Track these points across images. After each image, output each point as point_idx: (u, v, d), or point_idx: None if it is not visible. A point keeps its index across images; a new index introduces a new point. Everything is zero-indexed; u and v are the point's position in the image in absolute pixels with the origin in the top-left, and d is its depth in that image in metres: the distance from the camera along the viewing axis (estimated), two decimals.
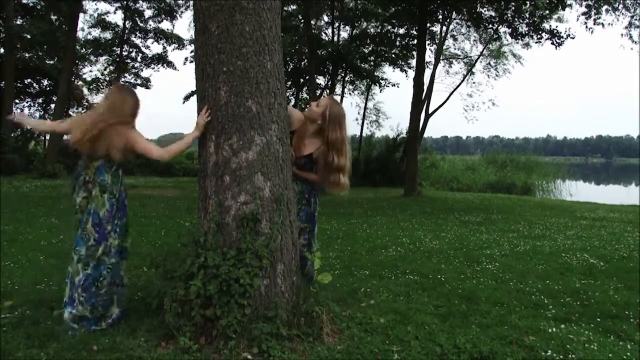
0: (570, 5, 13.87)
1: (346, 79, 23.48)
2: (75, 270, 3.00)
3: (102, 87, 24.76)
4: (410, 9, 15.55)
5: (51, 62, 21.57)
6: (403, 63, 21.56)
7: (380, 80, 22.09)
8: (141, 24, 23.89)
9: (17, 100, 21.56)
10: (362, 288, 4.10)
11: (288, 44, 17.80)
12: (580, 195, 19.52)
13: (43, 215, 7.92)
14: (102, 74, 24.69)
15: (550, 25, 14.91)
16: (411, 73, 19.99)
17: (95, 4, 35.62)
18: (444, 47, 20.38)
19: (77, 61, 22.23)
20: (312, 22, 19.51)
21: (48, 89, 22.86)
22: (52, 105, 21.90)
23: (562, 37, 14.31)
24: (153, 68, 25.11)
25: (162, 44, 24.39)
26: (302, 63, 20.32)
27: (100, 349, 2.73)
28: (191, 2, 11.51)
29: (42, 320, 3.13)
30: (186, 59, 23.69)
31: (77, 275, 2.99)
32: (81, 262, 2.99)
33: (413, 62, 19.41)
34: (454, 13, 16.93)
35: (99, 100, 3.05)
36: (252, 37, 2.94)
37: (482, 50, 20.75)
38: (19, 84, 21.01)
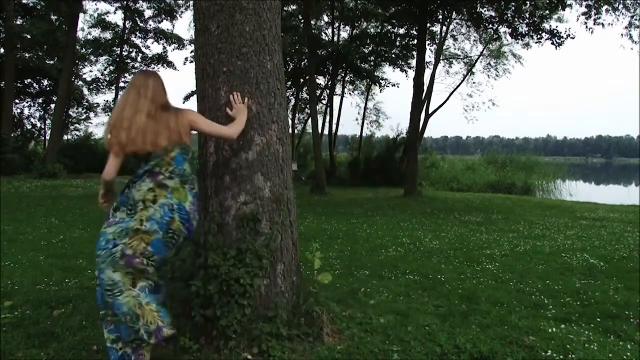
0: (570, 5, 13.87)
1: (346, 79, 23.49)
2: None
3: (102, 87, 24.81)
4: (410, 9, 15.54)
5: (51, 62, 21.60)
6: (403, 63, 21.56)
7: (380, 80, 22.09)
8: (141, 24, 23.94)
9: (17, 100, 21.56)
10: (362, 288, 4.10)
11: (288, 44, 17.77)
12: (580, 195, 19.50)
13: (43, 215, 7.92)
14: (102, 74, 24.75)
15: (550, 25, 14.91)
16: (411, 73, 20.02)
17: (95, 4, 35.76)
18: (444, 47, 20.40)
19: (77, 61, 22.24)
20: (312, 22, 19.48)
21: (48, 89, 22.88)
22: (52, 105, 21.89)
23: (562, 37, 14.31)
24: (153, 68, 25.15)
25: (162, 44, 24.52)
26: (302, 63, 20.30)
27: (100, 349, 2.73)
28: (191, 2, 11.50)
29: (42, 320, 3.13)
30: (186, 59, 23.71)
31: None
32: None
33: (413, 62, 19.44)
34: (454, 13, 16.92)
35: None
36: (252, 37, 2.94)
37: (482, 50, 20.80)
38: (19, 84, 21.01)
